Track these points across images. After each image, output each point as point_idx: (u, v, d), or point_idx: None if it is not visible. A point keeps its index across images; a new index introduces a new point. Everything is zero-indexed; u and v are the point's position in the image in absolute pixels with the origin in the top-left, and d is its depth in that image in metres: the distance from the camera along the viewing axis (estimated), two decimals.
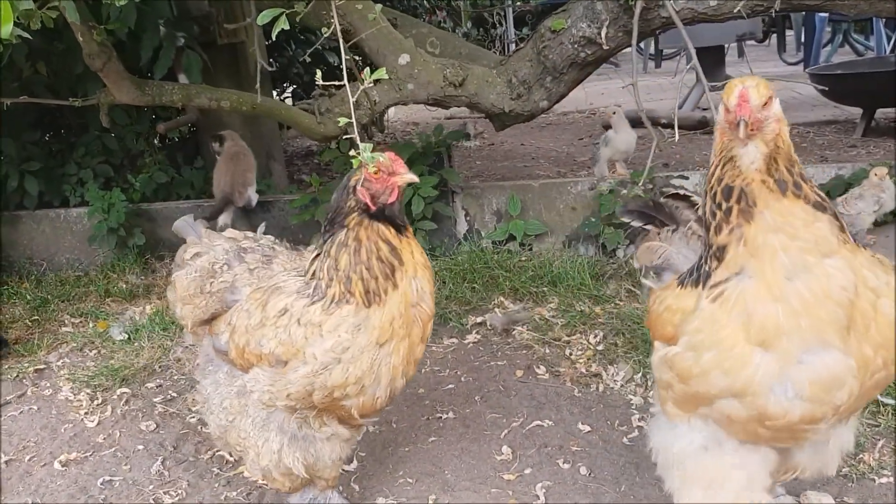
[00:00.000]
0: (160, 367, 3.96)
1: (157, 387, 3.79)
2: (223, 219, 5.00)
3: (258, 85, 3.16)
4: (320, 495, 2.68)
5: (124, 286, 4.99)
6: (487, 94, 3.91)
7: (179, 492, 2.99)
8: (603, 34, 3.76)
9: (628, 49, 4.40)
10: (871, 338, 1.79)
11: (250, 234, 2.75)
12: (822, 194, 1.83)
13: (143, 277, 5.14)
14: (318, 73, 2.28)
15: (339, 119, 2.37)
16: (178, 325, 4.18)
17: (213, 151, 5.32)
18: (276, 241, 2.75)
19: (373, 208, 2.26)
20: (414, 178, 2.33)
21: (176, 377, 3.87)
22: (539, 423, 3.21)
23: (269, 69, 3.87)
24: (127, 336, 4.28)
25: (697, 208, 2.39)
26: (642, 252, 2.50)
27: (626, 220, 2.51)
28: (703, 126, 7.29)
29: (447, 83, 3.78)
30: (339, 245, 2.28)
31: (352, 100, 2.13)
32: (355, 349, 2.25)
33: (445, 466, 3.01)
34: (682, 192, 2.47)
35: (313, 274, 2.35)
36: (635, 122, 5.80)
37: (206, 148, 6.11)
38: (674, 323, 2.01)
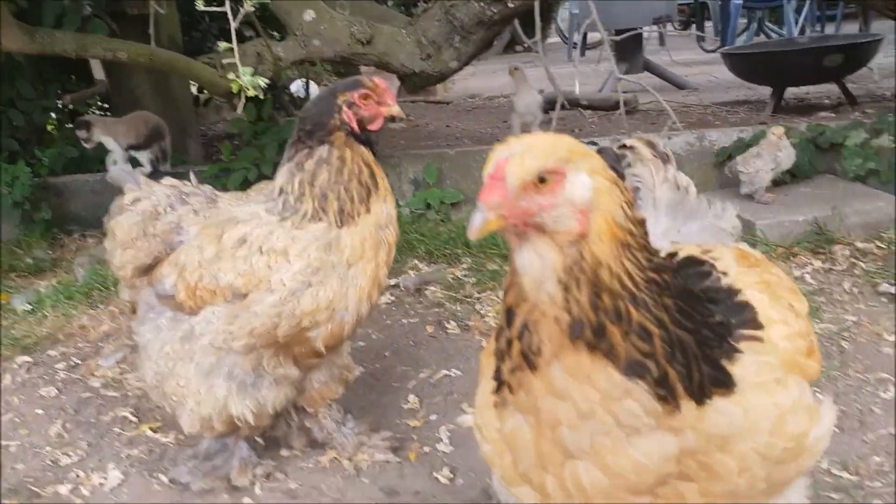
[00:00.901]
0: (64, 335, 3.84)
1: (60, 354, 3.68)
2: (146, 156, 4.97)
3: (151, 30, 3.08)
4: (232, 442, 2.63)
5: (31, 261, 4.82)
6: (397, 53, 3.91)
7: (79, 452, 2.91)
8: None
9: (554, 39, 4.46)
10: None
11: (188, 182, 2.67)
12: (647, 344, 1.22)
13: (49, 252, 4.97)
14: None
15: (235, 71, 2.32)
16: (82, 293, 4.08)
17: (79, 139, 5.15)
18: (215, 189, 2.68)
19: (357, 132, 2.25)
20: (401, 112, 2.33)
21: (80, 344, 3.76)
22: (447, 373, 3.23)
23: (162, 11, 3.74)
24: (30, 307, 4.14)
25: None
26: None
27: None
28: (614, 108, 7.47)
29: (354, 40, 3.76)
30: (320, 161, 2.24)
31: (233, 24, 2.10)
32: (326, 269, 2.22)
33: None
34: (631, 143, 1.92)
35: (281, 190, 2.29)
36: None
37: None
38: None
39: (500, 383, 1.36)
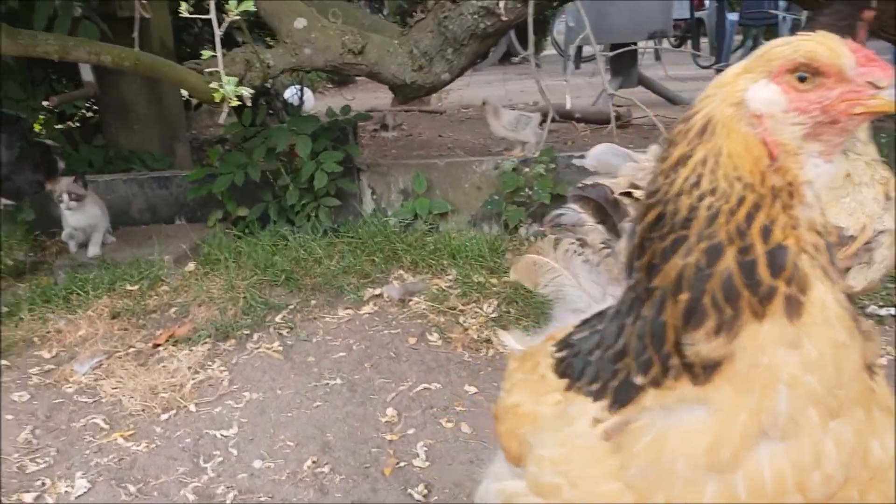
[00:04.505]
0: (39, 338, 3.77)
1: (34, 358, 3.61)
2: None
3: (136, 34, 3.03)
4: None
5: (11, 263, 4.75)
6: (388, 64, 3.87)
7: (47, 459, 2.85)
8: (502, 5, 3.76)
9: (550, 52, 4.43)
10: None
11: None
12: None
13: (31, 254, 4.91)
14: (184, 5, 2.20)
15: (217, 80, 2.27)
16: (61, 297, 4.03)
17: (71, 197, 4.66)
18: None
19: None
20: None
21: (56, 349, 3.69)
22: (427, 386, 3.17)
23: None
24: (7, 310, 4.07)
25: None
26: (523, 268, 1.73)
27: (576, 208, 1.63)
28: (608, 122, 7.47)
29: (346, 50, 3.71)
30: None
31: (217, 33, 2.06)
32: None
33: (328, 430, 2.94)
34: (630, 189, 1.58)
35: None
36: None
37: (107, 127, 5.93)
38: (519, 438, 1.21)
39: (643, 387, 1.03)
